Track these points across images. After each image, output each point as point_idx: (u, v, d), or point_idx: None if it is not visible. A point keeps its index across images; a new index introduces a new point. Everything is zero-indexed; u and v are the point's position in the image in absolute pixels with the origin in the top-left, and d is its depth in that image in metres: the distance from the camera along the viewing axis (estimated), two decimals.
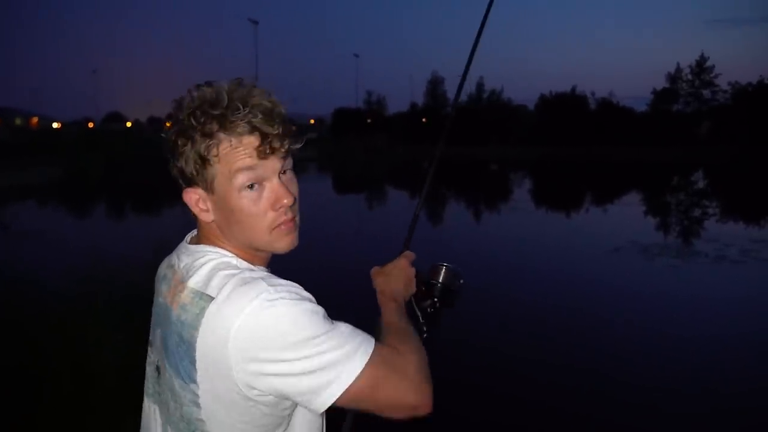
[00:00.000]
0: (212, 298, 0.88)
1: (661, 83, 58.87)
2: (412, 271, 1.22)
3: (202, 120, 0.89)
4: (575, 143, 49.52)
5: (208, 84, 0.93)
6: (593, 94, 59.57)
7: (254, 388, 0.86)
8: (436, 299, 1.28)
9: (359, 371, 0.85)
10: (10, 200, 16.53)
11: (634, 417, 4.25)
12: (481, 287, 7.58)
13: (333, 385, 0.84)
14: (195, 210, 0.97)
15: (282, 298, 0.85)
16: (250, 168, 0.91)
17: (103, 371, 3.19)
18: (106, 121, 76.82)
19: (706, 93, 57.05)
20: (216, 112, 0.89)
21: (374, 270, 1.22)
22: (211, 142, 0.90)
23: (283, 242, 0.98)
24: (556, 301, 7.14)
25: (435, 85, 67.27)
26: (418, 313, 1.24)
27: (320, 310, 0.89)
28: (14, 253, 4.09)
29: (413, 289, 1.22)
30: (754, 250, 10.25)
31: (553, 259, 9.71)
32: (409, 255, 1.26)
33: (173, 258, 1.04)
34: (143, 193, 19.36)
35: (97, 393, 3.10)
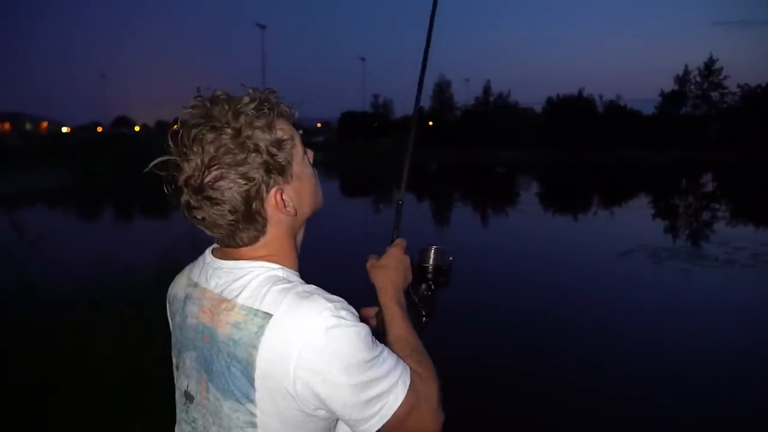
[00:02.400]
0: (270, 315, 0.86)
1: (669, 85, 58.68)
2: (408, 259, 1.20)
3: (268, 112, 0.91)
4: (583, 146, 49.35)
5: (214, 99, 0.92)
6: (601, 96, 59.45)
7: (312, 404, 0.87)
8: (430, 282, 1.27)
9: (400, 403, 0.88)
10: (20, 205, 16.64)
11: (641, 424, 4.20)
12: (487, 291, 7.55)
13: (377, 416, 0.87)
14: (281, 211, 0.94)
15: (342, 317, 0.86)
16: (299, 138, 0.99)
17: (111, 381, 3.17)
18: (114, 125, 77.33)
19: (714, 95, 56.68)
20: (267, 102, 0.92)
21: (370, 263, 1.17)
22: (284, 121, 0.95)
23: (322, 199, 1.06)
24: (564, 304, 7.09)
25: (442, 88, 67.24)
26: (415, 299, 1.24)
27: (368, 329, 0.89)
28: (23, 258, 4.09)
29: (410, 278, 1.19)
30: (764, 254, 10.16)
31: (561, 262, 9.65)
32: (402, 242, 1.22)
33: (194, 276, 1.01)
34: (151, 198, 19.45)
35: (105, 403, 3.09)
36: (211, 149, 0.87)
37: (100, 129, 61.30)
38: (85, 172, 23.94)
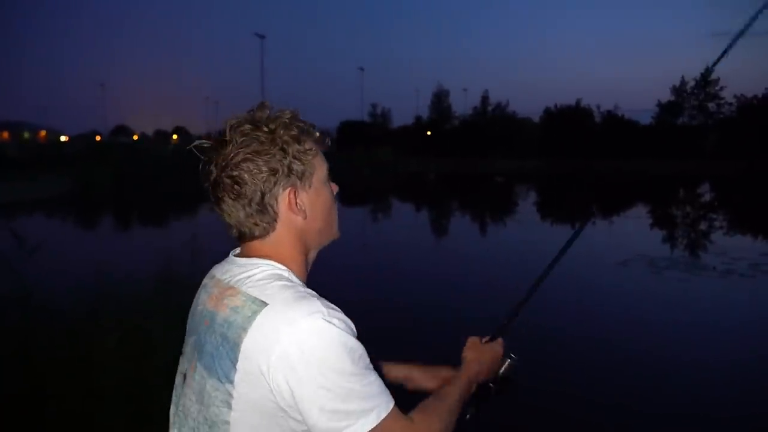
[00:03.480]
0: (266, 304, 0.91)
1: (666, 96, 58.93)
2: (500, 361, 1.32)
3: (302, 126, 1.03)
4: (580, 156, 49.53)
5: (261, 105, 1.03)
6: (598, 106, 59.78)
7: (285, 399, 0.88)
8: (491, 388, 1.32)
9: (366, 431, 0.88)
10: (19, 214, 16.61)
11: None
12: (484, 300, 7.54)
13: None
14: (292, 211, 1.01)
15: (334, 324, 0.89)
16: (327, 165, 1.09)
17: (110, 389, 3.16)
18: (113, 134, 77.34)
19: (711, 106, 56.98)
20: (304, 123, 1.04)
21: (473, 341, 1.30)
22: (312, 142, 1.04)
23: (338, 230, 1.13)
24: (562, 314, 7.08)
25: (440, 98, 67.52)
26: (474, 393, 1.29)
27: (361, 348, 0.92)
28: (22, 267, 4.08)
29: (491, 377, 1.30)
30: (763, 264, 10.17)
31: (559, 271, 9.61)
32: (502, 343, 1.34)
33: (216, 270, 1.09)
34: (150, 207, 19.45)
35: (104, 411, 3.08)
36: (246, 138, 0.98)
37: (98, 138, 61.22)
38: (84, 181, 23.93)
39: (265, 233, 1.01)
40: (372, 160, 43.09)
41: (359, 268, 9.45)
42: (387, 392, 0.93)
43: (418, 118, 68.31)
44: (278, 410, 0.90)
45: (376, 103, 74.75)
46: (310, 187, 1.03)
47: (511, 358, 1.35)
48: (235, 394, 0.91)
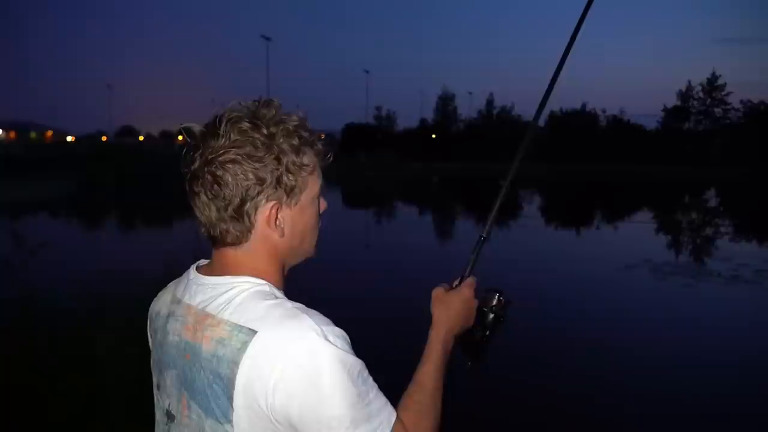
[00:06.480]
0: (255, 332, 0.84)
1: (672, 101, 58.70)
2: (475, 303, 1.16)
3: (306, 137, 0.94)
4: (585, 160, 49.41)
5: (268, 102, 0.94)
6: (604, 111, 59.56)
7: (286, 429, 0.83)
8: (487, 331, 1.17)
9: None
10: (23, 214, 16.68)
11: None
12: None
13: None
14: (269, 226, 0.93)
15: (330, 341, 0.83)
16: (322, 182, 1.00)
17: (113, 390, 3.17)
18: (118, 135, 77.71)
19: (717, 111, 56.73)
20: (310, 133, 0.96)
21: (436, 293, 1.15)
22: (313, 155, 0.96)
23: (314, 249, 1.05)
24: (566, 319, 7.06)
25: (445, 101, 67.42)
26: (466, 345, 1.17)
27: (359, 363, 0.86)
28: (25, 267, 4.10)
29: (471, 323, 1.15)
30: None
31: (563, 276, 9.62)
32: (473, 283, 1.18)
33: (178, 292, 1.00)
34: (154, 207, 19.50)
35: (106, 411, 3.08)
36: (240, 137, 0.89)
37: (104, 138, 61.48)
38: (89, 181, 24.04)
39: (238, 242, 0.93)
40: (376, 163, 43.08)
41: (362, 270, 9.45)
42: (387, 404, 0.88)
43: (423, 121, 68.27)
44: None
45: (381, 105, 74.62)
46: (296, 204, 0.95)
47: (498, 293, 1.19)
48: None
